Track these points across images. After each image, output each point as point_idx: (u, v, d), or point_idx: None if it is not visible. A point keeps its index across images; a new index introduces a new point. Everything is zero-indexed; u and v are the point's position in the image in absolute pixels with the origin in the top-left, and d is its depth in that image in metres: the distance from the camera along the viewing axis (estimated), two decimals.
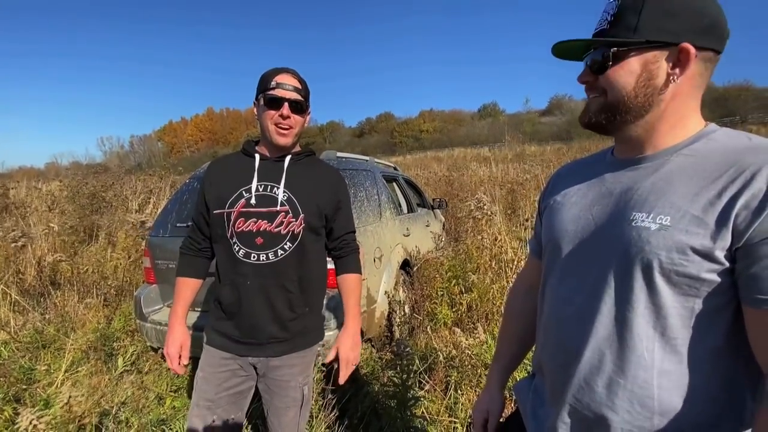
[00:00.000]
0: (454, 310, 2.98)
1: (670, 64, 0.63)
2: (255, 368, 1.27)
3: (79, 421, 1.90)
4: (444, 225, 5.28)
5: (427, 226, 4.20)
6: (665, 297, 0.59)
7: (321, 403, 1.94)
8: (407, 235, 3.37)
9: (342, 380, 1.25)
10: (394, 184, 3.96)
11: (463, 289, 3.05)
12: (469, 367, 2.25)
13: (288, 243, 1.21)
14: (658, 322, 0.60)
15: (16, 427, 1.84)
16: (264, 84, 1.20)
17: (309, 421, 1.88)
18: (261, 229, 1.19)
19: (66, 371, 2.43)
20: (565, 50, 0.72)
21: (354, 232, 1.37)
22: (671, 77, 0.63)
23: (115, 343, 2.75)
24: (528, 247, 0.99)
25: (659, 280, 0.59)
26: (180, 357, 1.27)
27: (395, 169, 4.35)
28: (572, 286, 0.71)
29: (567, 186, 0.80)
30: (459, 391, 2.15)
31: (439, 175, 10.08)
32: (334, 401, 1.94)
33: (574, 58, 0.73)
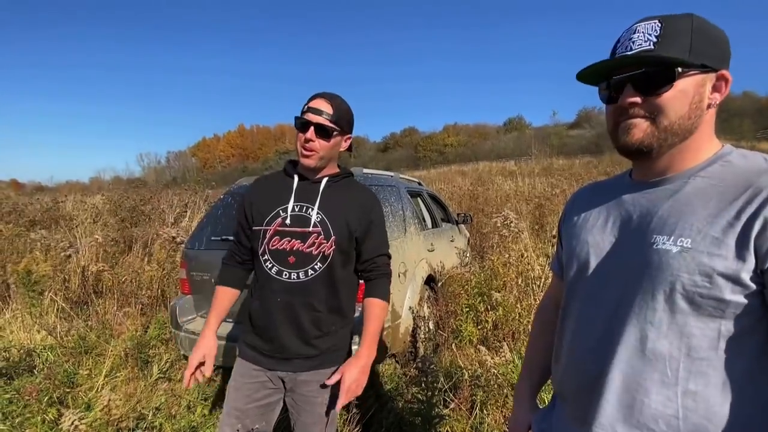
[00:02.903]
0: (479, 327, 2.94)
1: (710, 90, 0.65)
2: (283, 382, 1.29)
3: (117, 424, 1.99)
4: (469, 240, 5.24)
5: (451, 241, 4.19)
6: (689, 318, 0.59)
7: (346, 417, 1.95)
8: (432, 251, 3.37)
9: (338, 407, 1.18)
10: (419, 199, 3.99)
11: (489, 307, 3.00)
12: (495, 386, 2.21)
13: (318, 264, 1.24)
14: (682, 343, 0.60)
15: (59, 427, 1.96)
16: (302, 108, 1.27)
17: None
18: (294, 248, 1.24)
19: (106, 376, 2.56)
20: (588, 73, 0.71)
21: (387, 255, 1.34)
22: (712, 102, 0.65)
23: (150, 351, 2.87)
24: (552, 270, 0.99)
25: (682, 302, 0.60)
26: (200, 367, 1.27)
27: (419, 184, 4.38)
28: (594, 309, 0.71)
29: (585, 209, 0.81)
30: (485, 411, 2.10)
31: (464, 190, 10.01)
32: (358, 416, 1.95)
33: (592, 82, 0.73)
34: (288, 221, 1.25)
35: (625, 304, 0.65)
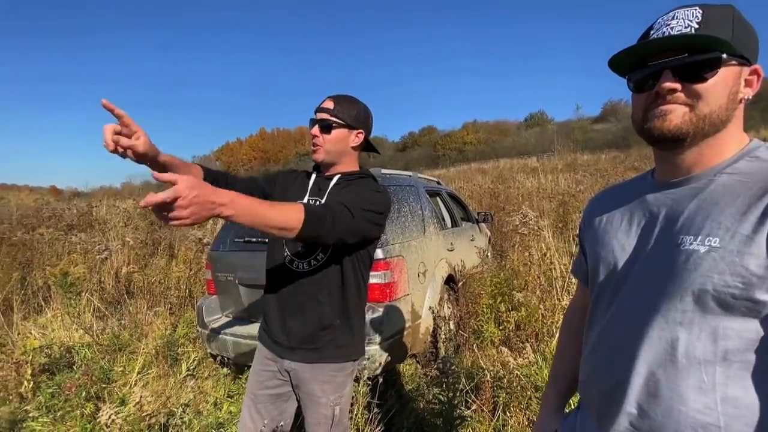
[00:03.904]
0: (501, 328, 2.90)
1: (743, 83, 0.63)
2: (290, 375, 1.33)
3: (149, 419, 2.09)
4: (490, 239, 5.17)
5: (471, 240, 4.15)
6: (722, 320, 0.57)
7: (367, 417, 1.97)
8: (451, 250, 3.35)
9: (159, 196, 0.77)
10: (438, 198, 3.97)
11: (511, 307, 2.96)
12: (519, 388, 2.18)
13: (320, 254, 1.28)
14: (717, 346, 0.58)
15: (97, 421, 2.07)
16: None
17: None
18: None
19: (138, 373, 2.68)
20: (623, 58, 0.68)
21: (346, 207, 1.15)
22: (744, 96, 0.64)
23: (179, 349, 2.98)
24: (573, 276, 0.97)
25: (713, 304, 0.57)
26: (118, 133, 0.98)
27: (438, 183, 4.36)
28: (621, 313, 0.70)
29: (606, 211, 0.79)
30: (508, 413, 2.08)
31: (484, 188, 9.87)
32: (380, 415, 1.97)
33: (624, 70, 0.71)
34: None
35: (653, 307, 0.63)
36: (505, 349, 2.47)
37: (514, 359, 2.33)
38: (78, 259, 4.83)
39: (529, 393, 2.15)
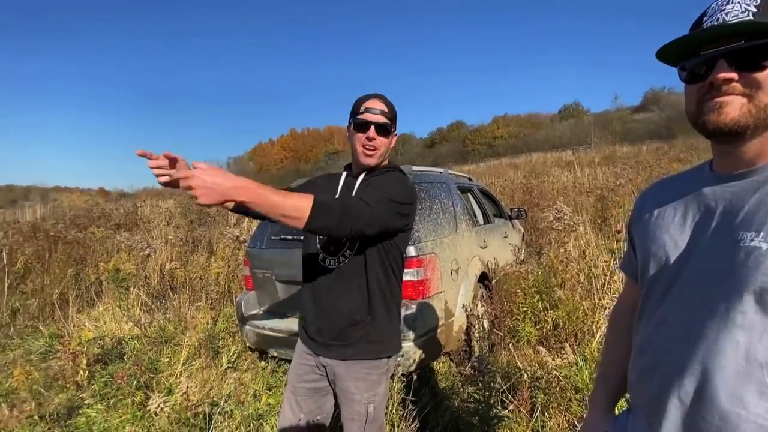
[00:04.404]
0: (538, 327, 2.82)
1: None
2: (326, 370, 1.35)
3: (194, 408, 2.19)
4: (524, 236, 5.04)
5: (505, 237, 4.06)
6: None
7: (402, 413, 1.98)
8: (484, 247, 3.29)
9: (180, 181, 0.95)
10: (469, 194, 3.91)
11: (548, 306, 2.87)
12: (557, 389, 2.11)
13: (348, 251, 1.29)
14: None
15: (146, 409, 2.20)
16: (355, 109, 1.32)
17: (390, 429, 1.93)
18: None
19: (183, 364, 2.81)
20: (672, 48, 0.65)
21: (363, 200, 1.14)
22: None
23: (220, 342, 3.11)
24: (622, 271, 0.93)
25: None
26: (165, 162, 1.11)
27: (470, 179, 4.29)
28: (674, 311, 0.66)
29: (659, 205, 0.75)
30: (546, 415, 2.02)
31: (516, 183, 9.62)
32: (414, 412, 1.96)
33: (673, 60, 0.67)
34: None
35: (709, 306, 0.59)
36: (542, 349, 2.40)
37: (553, 359, 2.26)
38: (125, 256, 5.14)
39: (569, 394, 2.08)
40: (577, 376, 2.17)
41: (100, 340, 3.40)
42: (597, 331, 2.65)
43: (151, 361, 2.91)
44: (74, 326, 3.67)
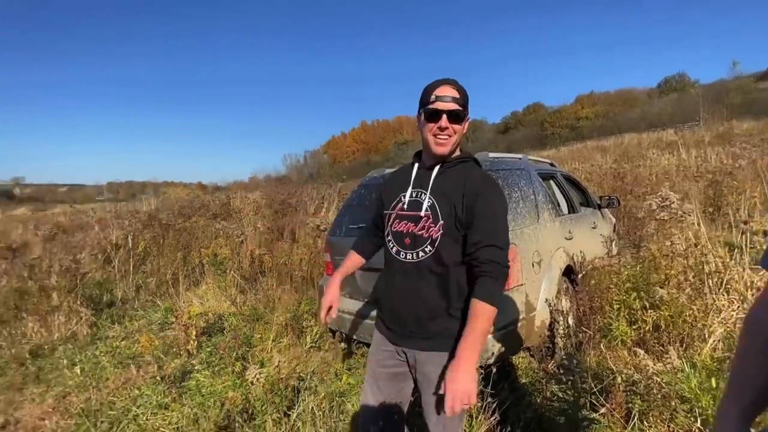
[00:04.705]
0: (634, 327, 2.55)
1: None
2: (407, 356, 1.37)
3: (285, 381, 2.40)
4: (615, 226, 4.57)
5: (593, 228, 3.71)
6: None
7: (481, 405, 1.94)
8: (570, 239, 3.05)
9: (448, 413, 1.14)
10: (552, 181, 3.64)
11: (647, 305, 2.57)
12: (659, 396, 1.90)
13: (428, 246, 1.28)
14: None
15: (245, 377, 2.46)
16: (425, 98, 1.28)
17: (468, 420, 1.91)
18: (409, 230, 1.33)
19: (273, 341, 3.09)
20: None
21: (495, 246, 1.21)
22: None
23: (303, 323, 3.34)
24: (764, 268, 0.78)
25: None
26: (329, 311, 1.53)
27: (552, 165, 3.98)
28: None
29: None
30: (645, 423, 1.83)
31: (605, 168, 8.70)
32: (494, 405, 1.92)
33: None
34: (406, 206, 1.36)
35: None
36: (640, 351, 2.17)
37: (654, 364, 2.03)
38: (222, 242, 5.76)
39: (673, 404, 1.86)
40: (683, 383, 1.92)
41: (204, 315, 3.87)
42: (709, 336, 2.32)
43: (246, 336, 3.24)
44: (184, 302, 4.23)
